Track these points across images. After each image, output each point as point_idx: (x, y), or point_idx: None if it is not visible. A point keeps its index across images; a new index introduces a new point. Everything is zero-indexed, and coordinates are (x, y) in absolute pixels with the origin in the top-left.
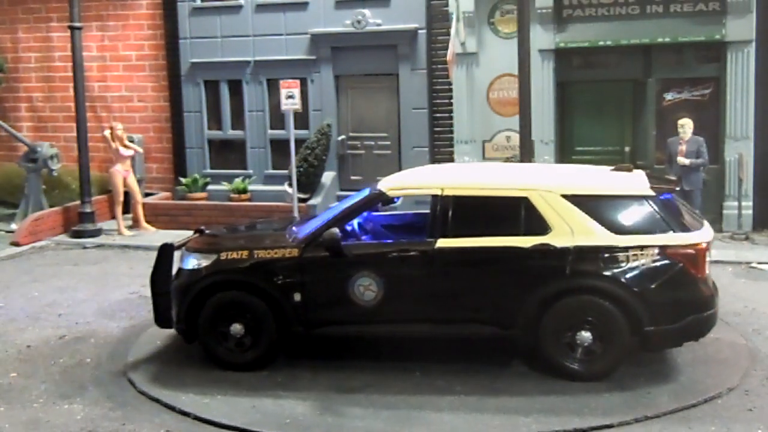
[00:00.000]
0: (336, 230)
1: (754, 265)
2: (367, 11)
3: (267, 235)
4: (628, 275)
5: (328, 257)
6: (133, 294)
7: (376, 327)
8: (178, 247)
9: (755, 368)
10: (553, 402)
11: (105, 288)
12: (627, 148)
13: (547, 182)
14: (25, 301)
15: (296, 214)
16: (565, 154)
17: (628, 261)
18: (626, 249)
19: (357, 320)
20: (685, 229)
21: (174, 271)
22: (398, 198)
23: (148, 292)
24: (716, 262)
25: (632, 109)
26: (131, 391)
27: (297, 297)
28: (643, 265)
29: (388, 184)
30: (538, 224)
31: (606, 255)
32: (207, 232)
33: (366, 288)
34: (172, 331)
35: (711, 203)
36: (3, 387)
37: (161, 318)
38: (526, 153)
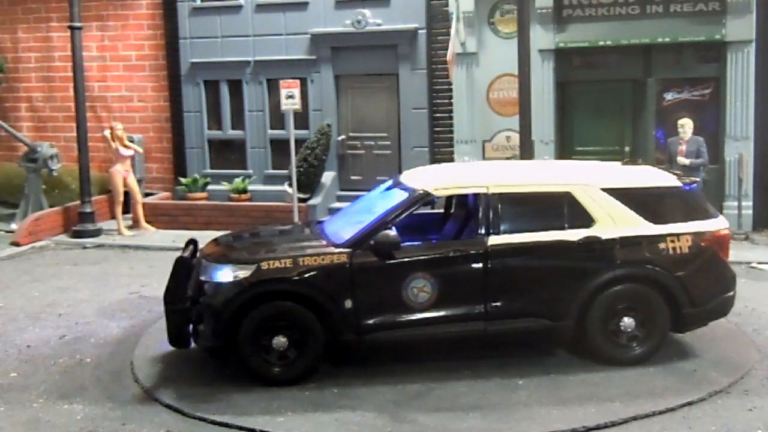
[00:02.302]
0: (394, 232)
1: (754, 265)
2: (367, 11)
3: (298, 240)
4: (669, 262)
5: (381, 260)
6: (133, 294)
7: (430, 328)
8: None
9: (755, 368)
10: (622, 386)
11: (105, 288)
12: (627, 148)
13: (587, 177)
14: (25, 301)
15: (296, 214)
16: (565, 154)
17: (667, 248)
18: (665, 237)
19: (410, 323)
20: (710, 216)
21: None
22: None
23: (148, 292)
24: None
25: (632, 109)
26: (131, 391)
27: (348, 303)
28: (680, 251)
29: (432, 184)
30: (582, 217)
31: (648, 244)
32: (217, 239)
33: (420, 290)
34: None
35: (711, 203)
36: (3, 387)
37: (178, 337)
38: (526, 153)
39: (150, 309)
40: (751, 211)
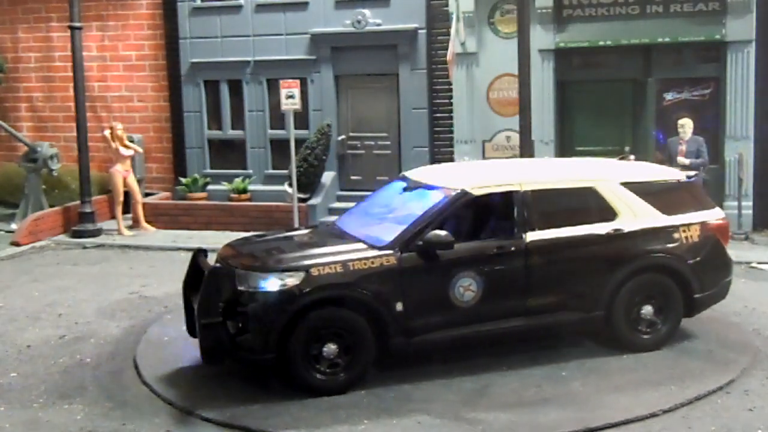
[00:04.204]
0: (446, 232)
1: (754, 265)
2: (367, 11)
3: (329, 243)
4: (683, 250)
5: (429, 260)
6: (133, 294)
7: (475, 327)
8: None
9: (755, 368)
10: (660, 370)
11: (105, 288)
12: (627, 148)
13: (607, 172)
14: (25, 301)
15: (296, 213)
16: (565, 154)
17: (681, 238)
18: (678, 227)
19: (456, 323)
20: (712, 206)
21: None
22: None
23: (148, 292)
24: None
25: (632, 109)
26: (131, 391)
27: (398, 306)
28: (691, 240)
29: (469, 183)
30: (606, 211)
31: (665, 234)
32: (233, 246)
33: (466, 288)
34: (179, 345)
35: None
36: (3, 387)
37: (212, 353)
38: (526, 153)
39: (150, 309)
40: (751, 211)
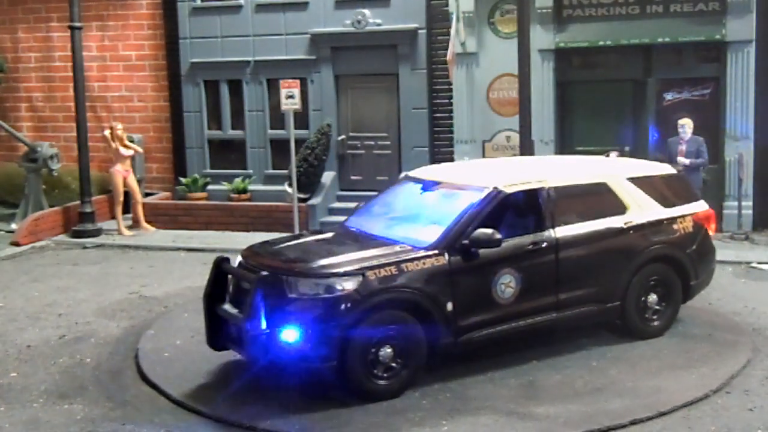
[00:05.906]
0: (492, 230)
1: (754, 265)
2: (367, 11)
3: (364, 246)
4: (681, 240)
5: (473, 259)
6: (133, 294)
7: (514, 323)
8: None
9: (755, 368)
10: (679, 355)
11: (105, 288)
12: (627, 148)
13: (615, 168)
14: (25, 301)
15: (296, 213)
16: (565, 154)
17: (679, 229)
18: (676, 219)
19: (499, 320)
20: (698, 198)
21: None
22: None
23: (148, 292)
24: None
25: (632, 109)
26: (131, 391)
27: (449, 306)
28: (687, 230)
29: (500, 182)
30: (617, 205)
31: (666, 225)
32: (258, 252)
33: (507, 285)
34: (192, 358)
35: (711, 203)
36: (3, 387)
37: (262, 364)
38: (527, 153)
39: (150, 309)
40: (751, 211)
